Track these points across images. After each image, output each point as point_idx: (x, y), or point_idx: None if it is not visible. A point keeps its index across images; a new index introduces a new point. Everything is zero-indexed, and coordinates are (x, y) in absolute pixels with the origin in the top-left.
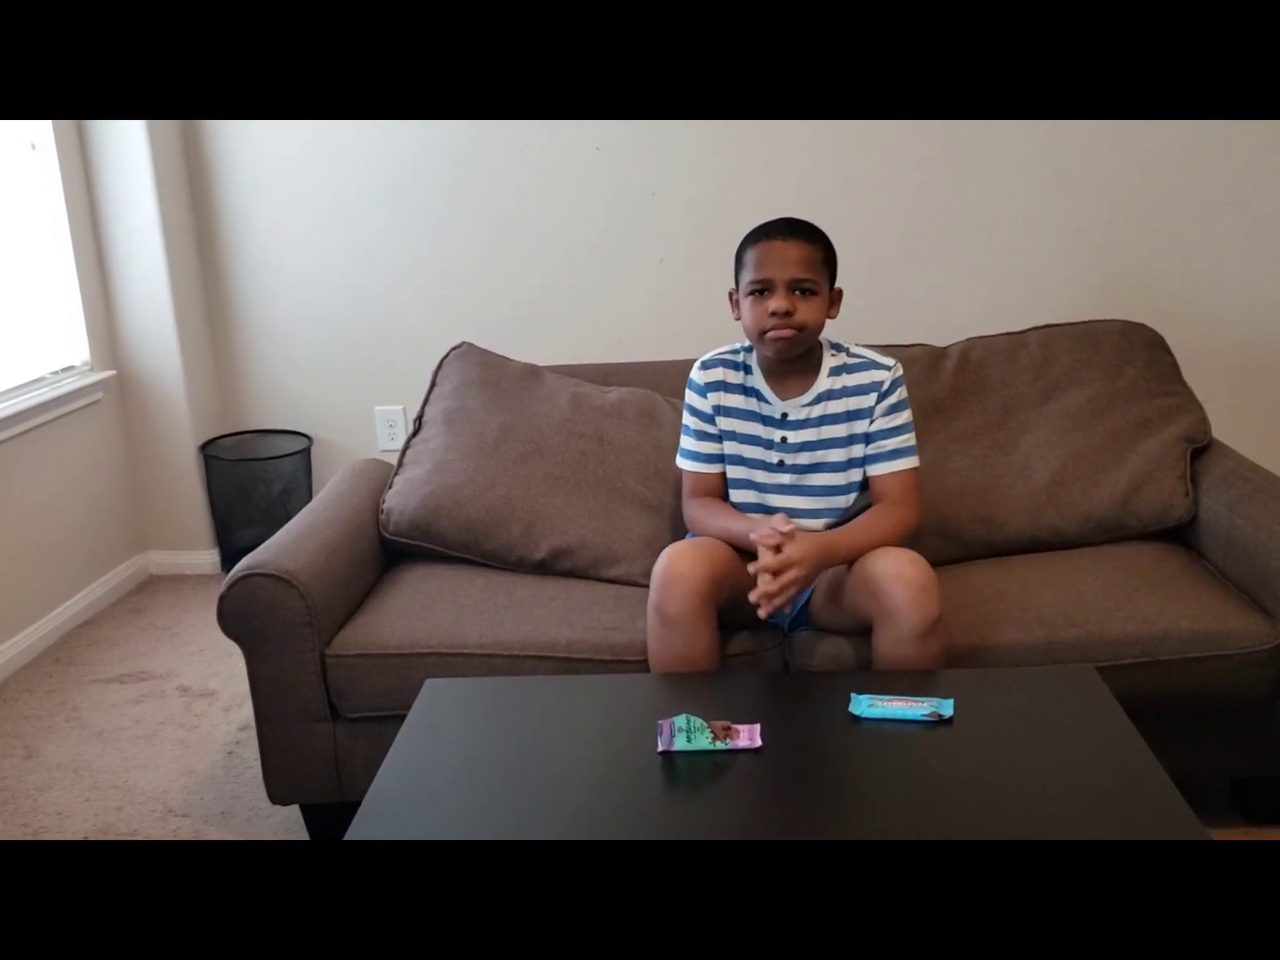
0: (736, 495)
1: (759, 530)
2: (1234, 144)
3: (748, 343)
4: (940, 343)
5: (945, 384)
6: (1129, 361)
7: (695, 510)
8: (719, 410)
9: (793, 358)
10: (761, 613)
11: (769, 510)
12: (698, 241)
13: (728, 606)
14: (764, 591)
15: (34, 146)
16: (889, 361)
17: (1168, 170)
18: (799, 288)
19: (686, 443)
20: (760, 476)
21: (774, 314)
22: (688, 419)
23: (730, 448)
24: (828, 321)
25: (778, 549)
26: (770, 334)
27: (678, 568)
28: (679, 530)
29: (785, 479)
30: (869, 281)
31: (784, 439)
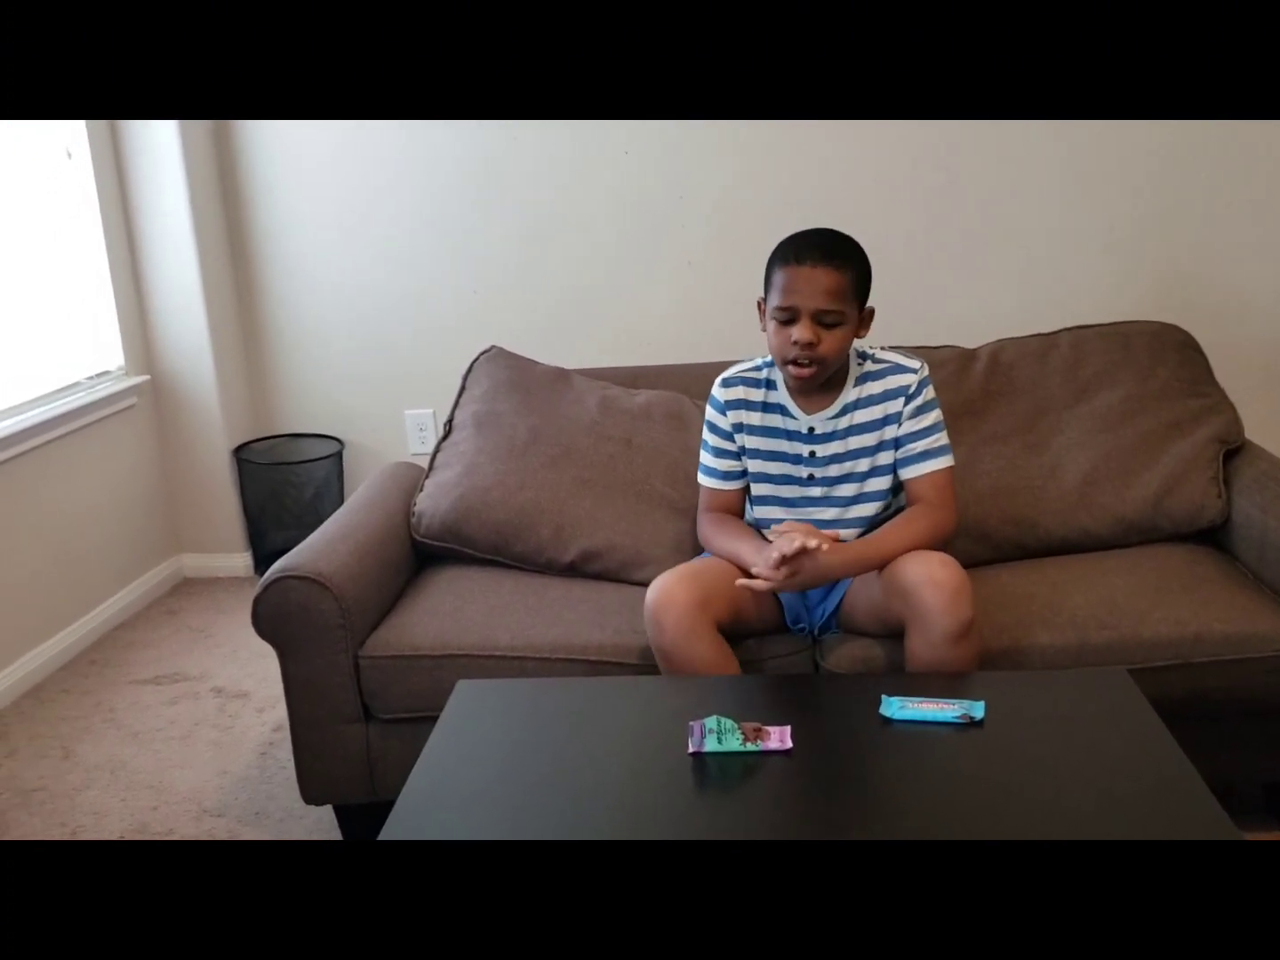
0: (762, 511)
1: (759, 566)
2: (1265, 142)
3: (769, 357)
4: (970, 344)
5: (976, 385)
6: (1161, 362)
7: (707, 527)
8: (740, 428)
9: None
10: (757, 574)
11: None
12: (726, 244)
13: (732, 621)
14: (764, 575)
15: (70, 155)
16: (914, 364)
17: (1198, 169)
18: (824, 320)
19: (705, 459)
20: (788, 492)
21: (796, 343)
22: (707, 435)
23: (754, 465)
24: None
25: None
26: (791, 367)
27: (662, 599)
28: None
29: (816, 492)
30: (898, 283)
31: (812, 453)
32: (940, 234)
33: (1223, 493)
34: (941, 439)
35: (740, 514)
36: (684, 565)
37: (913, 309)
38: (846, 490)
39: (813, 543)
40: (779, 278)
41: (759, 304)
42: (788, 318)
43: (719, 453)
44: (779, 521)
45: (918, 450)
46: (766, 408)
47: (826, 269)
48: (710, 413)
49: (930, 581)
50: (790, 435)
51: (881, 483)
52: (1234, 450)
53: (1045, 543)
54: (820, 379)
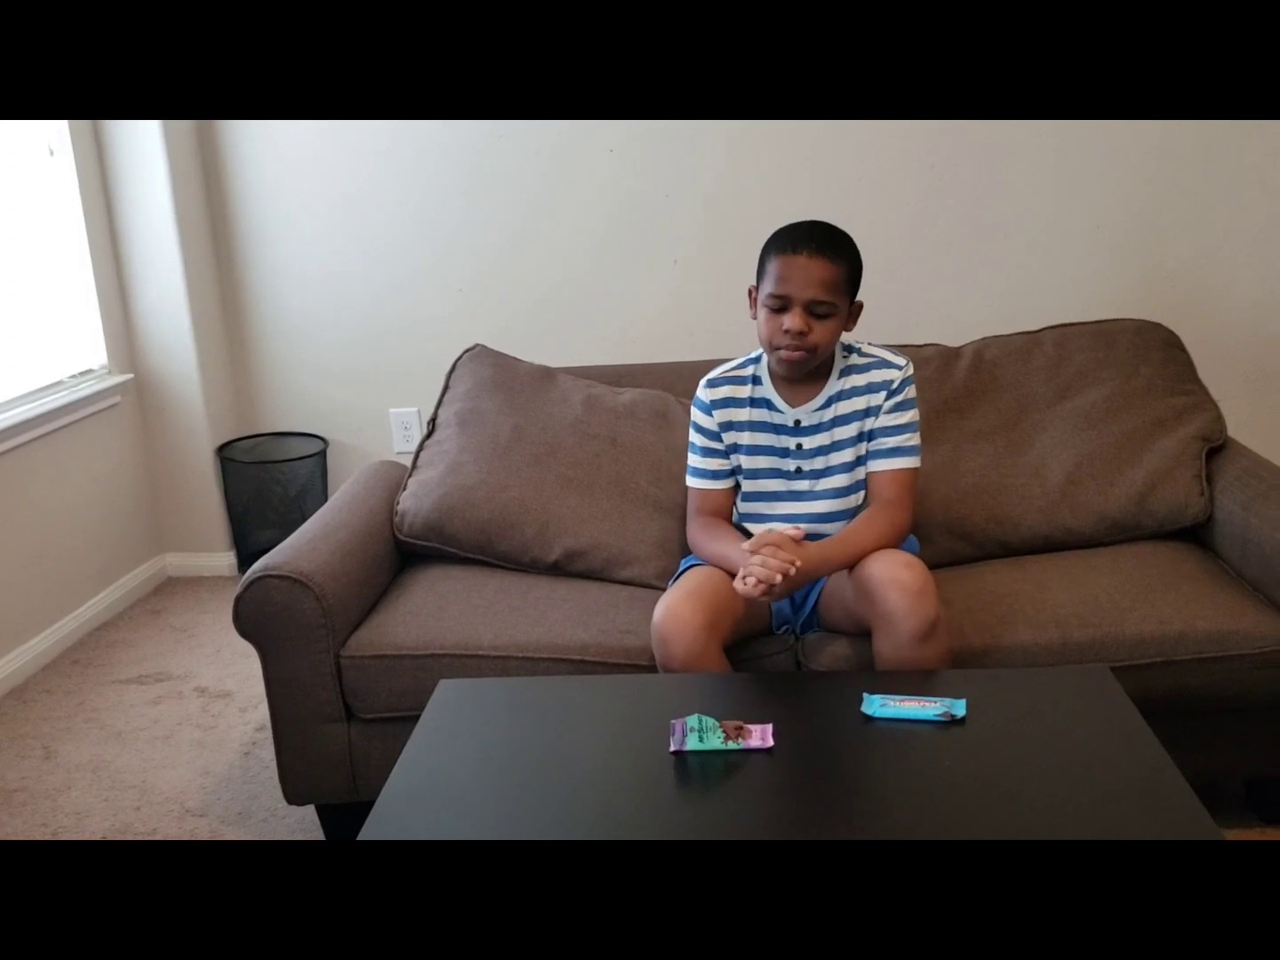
0: (751, 507)
1: (747, 564)
2: (1251, 141)
3: (754, 353)
4: (954, 342)
5: (959, 383)
6: (1144, 360)
7: (696, 531)
8: (726, 426)
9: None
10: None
11: (783, 519)
12: (711, 242)
13: (733, 635)
14: (746, 582)
15: (52, 152)
16: (900, 361)
17: (1184, 168)
18: (816, 310)
19: (693, 460)
20: (775, 485)
21: (787, 332)
22: (693, 436)
23: (744, 462)
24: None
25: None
26: (782, 353)
27: (672, 624)
28: None
29: (802, 485)
30: (883, 281)
31: (799, 445)
32: (926, 232)
33: (1205, 491)
34: (914, 439)
35: (729, 514)
36: (687, 583)
37: (898, 307)
38: (833, 482)
39: (778, 579)
40: (773, 266)
41: (750, 291)
42: (780, 306)
43: (707, 452)
44: (767, 518)
45: (888, 446)
46: (754, 403)
47: (821, 260)
48: (696, 414)
49: (894, 583)
50: (777, 429)
51: (862, 474)
52: (1217, 448)
53: (1028, 541)
54: (809, 366)
